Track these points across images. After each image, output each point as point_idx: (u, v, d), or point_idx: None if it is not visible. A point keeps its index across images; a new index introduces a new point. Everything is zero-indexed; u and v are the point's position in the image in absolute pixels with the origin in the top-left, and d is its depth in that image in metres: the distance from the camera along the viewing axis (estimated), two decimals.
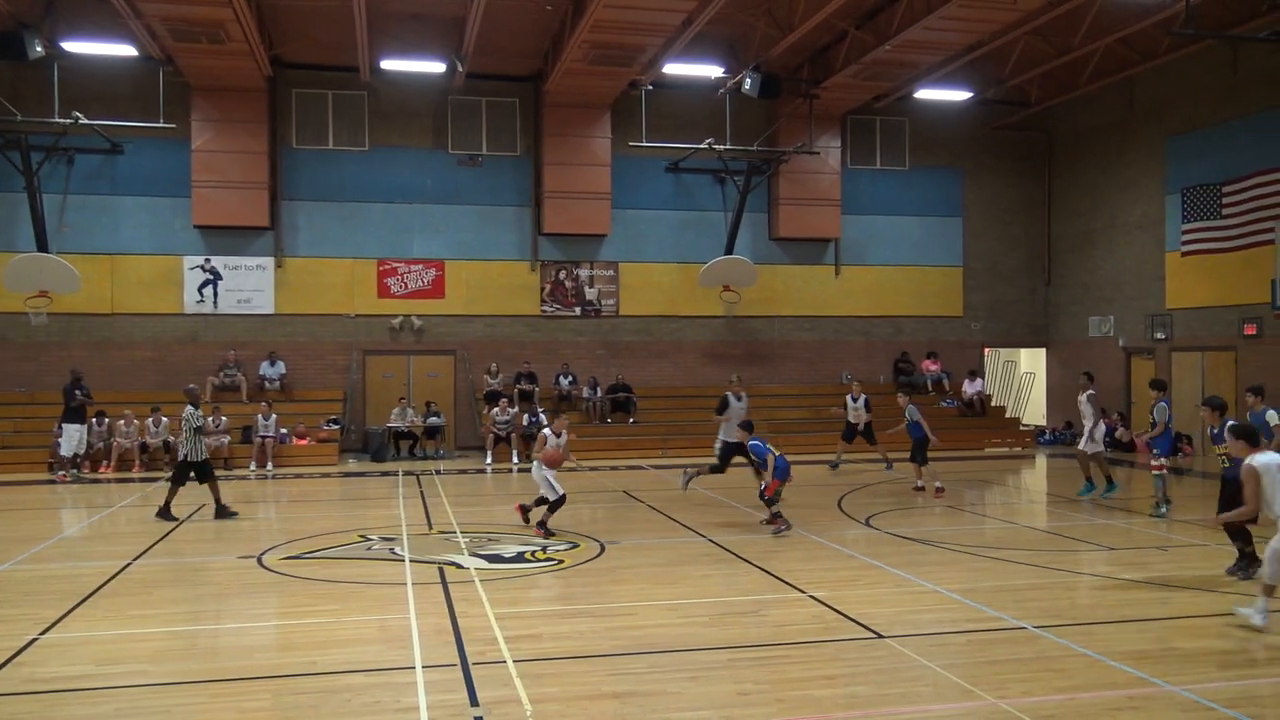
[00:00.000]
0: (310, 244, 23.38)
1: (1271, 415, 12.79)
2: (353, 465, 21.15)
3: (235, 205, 22.45)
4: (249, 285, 23.07)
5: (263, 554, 11.34)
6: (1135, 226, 24.19)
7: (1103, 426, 15.57)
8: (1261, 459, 8.12)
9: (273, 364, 22.67)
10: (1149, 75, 23.13)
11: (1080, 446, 15.43)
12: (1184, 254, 22.54)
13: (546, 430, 12.83)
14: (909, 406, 16.32)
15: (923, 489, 15.97)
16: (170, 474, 14.28)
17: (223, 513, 13.99)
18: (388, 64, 22.17)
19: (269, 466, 20.21)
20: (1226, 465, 9.55)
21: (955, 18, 18.22)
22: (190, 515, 14.30)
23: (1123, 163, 24.60)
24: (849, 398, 19.65)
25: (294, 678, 7.01)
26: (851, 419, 19.35)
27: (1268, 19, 18.50)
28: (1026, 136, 26.99)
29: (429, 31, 21.39)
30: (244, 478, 19.16)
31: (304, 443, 21.34)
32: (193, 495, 16.45)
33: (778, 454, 12.75)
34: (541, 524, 12.38)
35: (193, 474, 13.94)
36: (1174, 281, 23.00)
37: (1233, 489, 9.38)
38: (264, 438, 20.37)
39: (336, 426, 22.21)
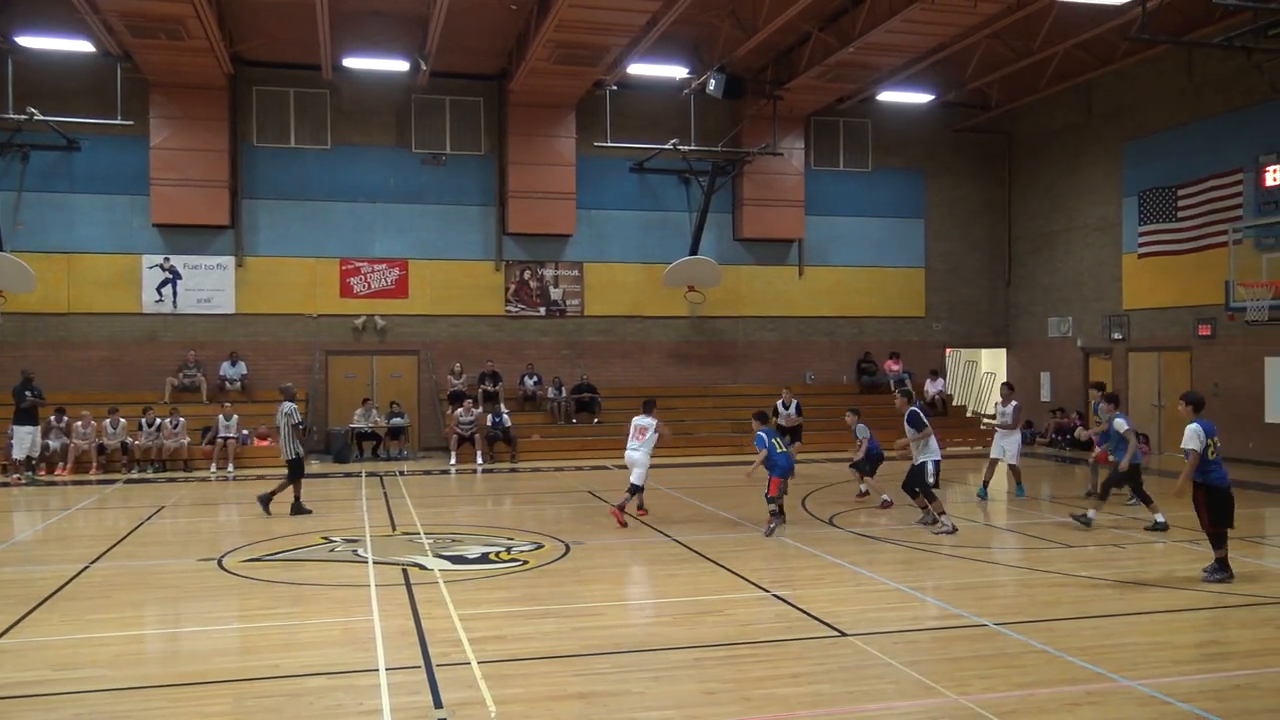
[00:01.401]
0: (271, 243, 23.14)
1: (1120, 423, 13.13)
2: (315, 466, 20.92)
3: (195, 203, 22.16)
4: (209, 285, 22.79)
5: (223, 556, 11.20)
6: (1093, 228, 24.55)
7: (1019, 437, 15.87)
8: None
9: (234, 364, 22.41)
10: (1107, 80, 23.48)
11: (1013, 462, 15.62)
12: (1140, 255, 22.91)
13: (653, 420, 13.35)
14: (858, 425, 15.07)
15: (867, 494, 15.18)
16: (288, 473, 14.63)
17: (299, 509, 14.28)
18: (350, 62, 21.99)
19: (230, 468, 19.98)
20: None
21: (917, 21, 18.40)
22: (148, 517, 14.11)
23: (1081, 165, 24.95)
24: (779, 403, 19.36)
25: (255, 681, 6.93)
26: (783, 423, 18.44)
27: (1222, 25, 18.85)
28: (987, 139, 27.29)
29: (392, 29, 21.25)
30: (205, 479, 18.92)
31: (265, 443, 21.08)
32: (152, 497, 16.26)
33: (781, 450, 12.48)
34: (620, 506, 13.18)
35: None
36: (1131, 283, 23.36)
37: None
38: (225, 439, 20.13)
39: (300, 428, 21.92)
